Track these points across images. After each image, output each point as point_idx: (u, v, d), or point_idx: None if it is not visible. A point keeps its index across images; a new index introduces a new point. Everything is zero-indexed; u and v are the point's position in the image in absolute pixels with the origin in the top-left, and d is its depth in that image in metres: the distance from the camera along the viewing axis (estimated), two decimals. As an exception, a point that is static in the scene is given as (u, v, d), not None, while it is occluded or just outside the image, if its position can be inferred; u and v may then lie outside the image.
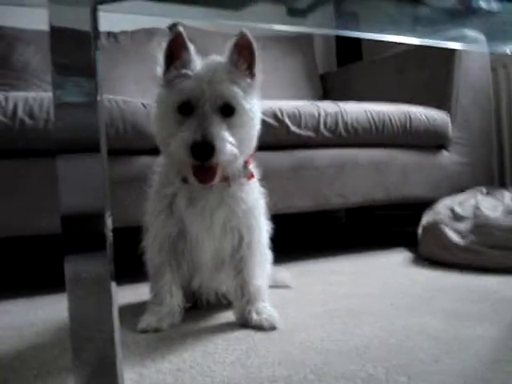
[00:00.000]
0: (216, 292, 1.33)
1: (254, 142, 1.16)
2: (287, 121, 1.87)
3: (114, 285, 0.75)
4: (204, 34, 2.64)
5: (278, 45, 2.86)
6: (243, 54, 1.13)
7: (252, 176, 1.20)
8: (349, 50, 3.20)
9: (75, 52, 0.75)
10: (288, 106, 1.92)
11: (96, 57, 0.75)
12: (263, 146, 1.81)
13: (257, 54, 1.14)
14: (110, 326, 0.76)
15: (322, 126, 1.93)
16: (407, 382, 0.82)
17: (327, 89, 2.98)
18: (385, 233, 2.75)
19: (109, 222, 0.76)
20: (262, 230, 1.25)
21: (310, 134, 1.92)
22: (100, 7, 0.77)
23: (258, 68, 1.15)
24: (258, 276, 1.22)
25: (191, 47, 1.14)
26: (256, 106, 1.14)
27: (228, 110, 1.08)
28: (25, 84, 2.18)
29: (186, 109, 1.08)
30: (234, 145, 1.06)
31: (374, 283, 1.56)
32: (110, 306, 0.75)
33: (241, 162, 1.14)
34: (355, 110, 2.04)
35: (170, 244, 1.21)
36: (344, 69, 3.07)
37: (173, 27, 2.62)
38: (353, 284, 1.57)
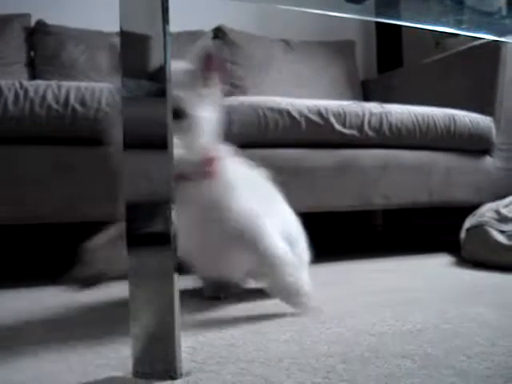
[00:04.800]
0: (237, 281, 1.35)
1: (203, 149, 1.13)
2: (332, 119, 1.87)
3: (176, 275, 0.78)
4: (251, 38, 2.68)
5: (321, 51, 2.88)
6: (208, 67, 1.13)
7: (214, 175, 1.17)
8: (390, 57, 3.20)
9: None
10: (333, 104, 1.92)
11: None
12: (308, 143, 1.85)
13: (219, 65, 1.15)
14: (170, 292, 0.77)
15: (366, 126, 1.93)
16: (467, 361, 0.81)
17: (368, 95, 2.97)
18: (423, 240, 2.72)
19: (173, 215, 0.78)
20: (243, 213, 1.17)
21: (354, 132, 1.91)
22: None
23: (222, 79, 1.15)
24: (268, 247, 1.16)
25: None
26: (210, 116, 1.14)
27: (179, 114, 1.07)
28: (72, 81, 2.22)
29: None
30: (181, 147, 1.04)
31: (420, 280, 1.55)
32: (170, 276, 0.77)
33: (192, 163, 1.12)
34: (399, 111, 2.03)
35: None
36: (385, 75, 3.06)
37: (216, 30, 2.67)
38: (399, 280, 1.56)
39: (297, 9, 1.08)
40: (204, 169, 1.17)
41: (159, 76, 0.78)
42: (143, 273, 0.78)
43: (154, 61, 0.78)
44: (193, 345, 0.92)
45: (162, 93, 0.78)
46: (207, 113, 1.13)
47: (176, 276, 0.77)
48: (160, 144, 0.78)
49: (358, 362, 0.81)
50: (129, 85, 0.78)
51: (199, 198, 1.16)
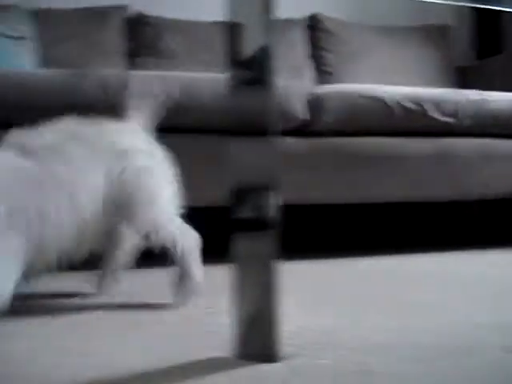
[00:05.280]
0: None
1: None
2: (427, 106, 1.83)
3: (275, 262, 0.79)
4: (345, 25, 2.66)
5: (415, 36, 2.81)
6: None
7: None
8: (489, 43, 3.07)
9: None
10: (428, 92, 1.88)
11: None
12: (402, 131, 1.82)
13: None
14: (270, 276, 0.79)
15: (463, 114, 1.87)
16: None
17: (465, 82, 2.87)
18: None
19: (276, 202, 0.80)
20: None
21: (451, 120, 1.86)
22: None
23: None
24: None
25: None
26: None
27: None
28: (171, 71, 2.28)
29: None
30: None
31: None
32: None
33: None
34: (498, 99, 1.96)
35: None
36: (484, 62, 2.95)
37: (311, 18, 2.65)
38: (502, 272, 1.53)
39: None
40: None
41: (261, 65, 0.79)
42: (246, 257, 0.80)
43: (257, 50, 0.79)
44: (291, 329, 0.93)
45: (264, 81, 0.79)
46: None
47: (276, 261, 0.79)
48: (261, 131, 0.79)
49: (460, 353, 0.80)
50: (233, 74, 0.80)
51: None
